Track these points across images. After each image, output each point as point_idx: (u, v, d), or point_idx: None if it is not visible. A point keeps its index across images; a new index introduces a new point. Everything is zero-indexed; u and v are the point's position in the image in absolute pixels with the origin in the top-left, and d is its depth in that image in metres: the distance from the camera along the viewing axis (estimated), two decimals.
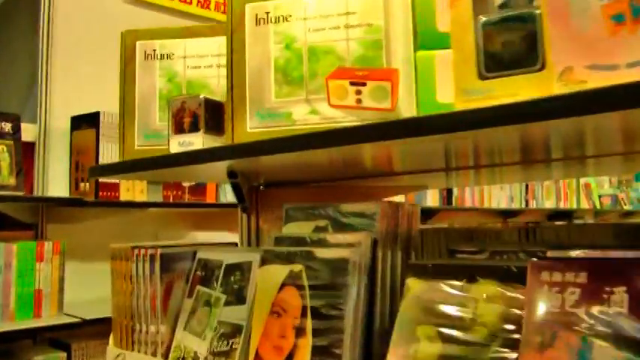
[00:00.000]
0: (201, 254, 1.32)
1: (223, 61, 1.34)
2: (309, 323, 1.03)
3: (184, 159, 1.17)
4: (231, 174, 1.38)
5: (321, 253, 1.05)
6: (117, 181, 2.43)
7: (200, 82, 1.36)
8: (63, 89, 2.62)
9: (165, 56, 1.38)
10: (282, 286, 1.08)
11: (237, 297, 1.19)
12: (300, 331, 1.03)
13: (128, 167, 1.31)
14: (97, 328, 2.35)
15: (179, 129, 1.24)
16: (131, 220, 2.76)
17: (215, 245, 1.47)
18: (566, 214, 5.31)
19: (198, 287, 1.28)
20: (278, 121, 1.11)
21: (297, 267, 1.07)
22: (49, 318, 2.26)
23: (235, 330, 1.17)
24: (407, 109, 1.07)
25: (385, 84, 1.08)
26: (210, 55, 1.37)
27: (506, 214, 4.54)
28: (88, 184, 2.40)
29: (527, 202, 4.68)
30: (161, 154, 1.27)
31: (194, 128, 1.22)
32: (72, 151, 2.50)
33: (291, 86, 1.11)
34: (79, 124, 2.48)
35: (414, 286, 1.01)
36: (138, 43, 1.40)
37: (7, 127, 2.22)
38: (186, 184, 2.68)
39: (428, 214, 3.63)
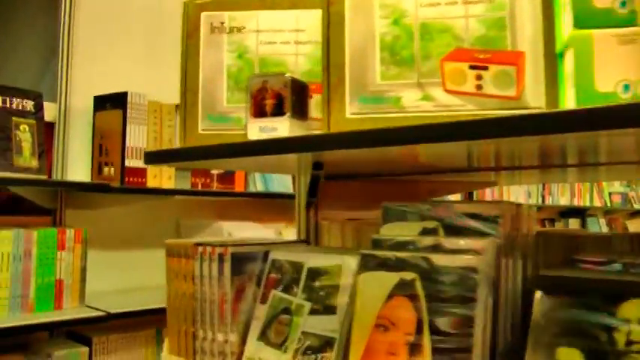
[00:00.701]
0: (276, 254, 1.16)
1: (302, 37, 1.19)
2: (426, 340, 0.88)
3: (271, 147, 1.01)
4: (316, 165, 1.22)
5: (440, 259, 0.90)
6: (144, 166, 2.26)
7: (275, 60, 1.21)
8: (84, 67, 2.45)
9: (235, 30, 1.23)
10: (390, 296, 0.93)
11: (325, 305, 1.04)
12: (414, 349, 0.89)
13: (197, 154, 1.15)
14: (119, 321, 2.20)
15: (260, 112, 1.08)
16: (152, 208, 2.61)
17: (284, 244, 1.31)
18: (579, 212, 5.20)
19: (274, 292, 1.13)
20: (385, 106, 0.97)
21: (410, 275, 0.92)
22: (70, 310, 2.11)
23: (325, 343, 1.02)
24: (534, 98, 0.93)
25: (510, 68, 0.95)
26: (287, 29, 1.21)
27: None
28: (112, 168, 2.24)
29: (543, 198, 4.56)
30: (233, 140, 1.11)
31: (278, 112, 1.07)
32: (94, 133, 2.33)
33: (400, 67, 0.97)
34: (103, 104, 2.31)
35: (547, 301, 0.86)
36: (203, 14, 1.24)
37: (29, 105, 2.05)
38: (215, 172, 2.52)
39: None
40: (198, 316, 1.19)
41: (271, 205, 3.01)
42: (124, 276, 2.51)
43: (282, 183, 2.77)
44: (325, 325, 1.03)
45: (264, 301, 1.14)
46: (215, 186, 2.53)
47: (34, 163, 2.00)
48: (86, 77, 2.45)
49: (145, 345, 2.35)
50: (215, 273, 1.17)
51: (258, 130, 1.07)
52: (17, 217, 2.20)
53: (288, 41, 1.21)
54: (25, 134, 2.01)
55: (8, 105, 2.00)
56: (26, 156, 1.99)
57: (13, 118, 2.00)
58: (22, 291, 2.02)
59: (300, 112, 1.08)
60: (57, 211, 2.33)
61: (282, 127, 1.05)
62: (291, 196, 1.53)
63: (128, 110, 2.22)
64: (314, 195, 1.34)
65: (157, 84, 2.50)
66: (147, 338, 2.38)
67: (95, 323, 2.09)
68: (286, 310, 1.09)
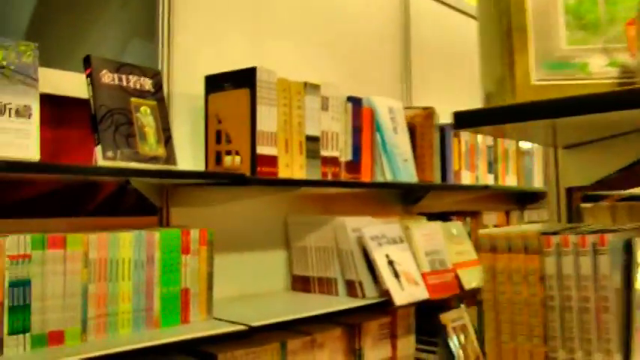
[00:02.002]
0: None
1: None
2: None
3: None
4: None
5: None
6: (275, 154, 1.90)
7: None
8: (187, 44, 2.08)
9: None
10: None
11: None
12: None
13: (547, 110, 0.84)
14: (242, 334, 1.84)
15: None
16: (258, 204, 2.25)
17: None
18: None
19: None
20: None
21: None
22: (198, 323, 1.75)
23: None
24: None
25: None
26: None
27: None
28: (238, 157, 1.87)
29: None
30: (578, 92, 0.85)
31: None
32: (208, 118, 1.96)
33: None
34: (219, 84, 1.94)
35: None
36: None
37: (148, 83, 1.69)
38: (343, 159, 2.15)
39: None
40: (556, 331, 0.83)
41: (376, 199, 2.65)
42: (233, 281, 2.15)
43: (408, 172, 2.39)
44: None
45: None
46: (343, 175, 2.16)
47: (161, 151, 1.64)
48: (190, 55, 2.08)
49: None
50: (587, 271, 0.80)
51: None
52: (120, 219, 1.85)
53: None
54: (146, 117, 1.65)
55: (125, 83, 1.64)
56: (151, 143, 1.63)
57: (132, 99, 1.64)
58: (146, 303, 1.67)
59: None
60: (163, 209, 1.97)
61: None
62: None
63: (258, 89, 1.85)
64: None
65: (273, 60, 2.13)
66: (272, 353, 2.02)
67: (235, 339, 1.73)
68: None
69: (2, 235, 1.46)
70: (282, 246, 2.37)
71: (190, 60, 2.06)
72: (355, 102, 2.23)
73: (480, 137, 2.99)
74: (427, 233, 2.46)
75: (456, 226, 2.70)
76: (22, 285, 1.48)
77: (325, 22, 2.62)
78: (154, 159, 1.63)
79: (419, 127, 2.52)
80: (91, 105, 1.59)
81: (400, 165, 2.36)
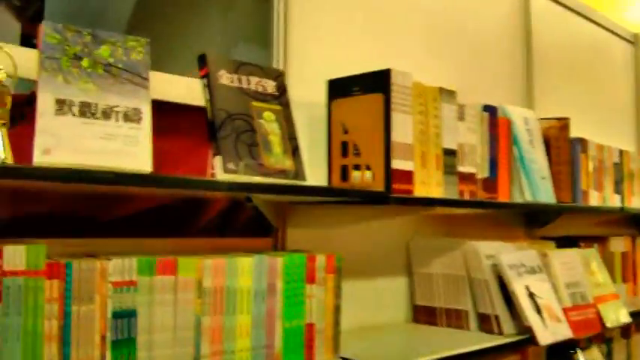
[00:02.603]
0: None
1: None
2: None
3: None
4: None
5: None
6: (410, 168, 1.62)
7: None
8: (305, 45, 1.83)
9: None
10: None
11: None
12: None
13: None
14: None
15: None
16: (380, 226, 1.97)
17: None
18: None
19: None
20: None
21: None
22: None
23: None
24: None
25: None
26: None
27: None
28: (368, 172, 1.60)
29: None
30: None
31: None
32: (332, 127, 1.70)
33: None
34: (346, 89, 1.68)
35: None
36: None
37: (270, 85, 1.44)
38: (480, 176, 1.85)
39: None
40: None
41: (496, 219, 2.34)
42: (351, 312, 1.87)
43: (546, 191, 2.07)
44: None
45: None
46: (480, 194, 1.87)
47: (289, 163, 1.38)
48: (306, 58, 1.83)
49: None
50: None
51: None
52: (231, 240, 1.61)
53: None
54: (271, 124, 1.40)
55: (245, 85, 1.39)
56: (277, 153, 1.37)
57: (253, 103, 1.39)
58: (267, 340, 1.41)
59: None
60: (279, 231, 1.71)
61: None
62: None
63: (392, 94, 1.58)
64: None
65: (388, 62, 1.86)
66: None
67: None
68: None
69: (104, 257, 1.23)
70: (403, 272, 2.08)
71: (307, 63, 1.81)
72: (492, 111, 1.93)
73: (606, 153, 2.64)
74: (566, 262, 2.13)
75: (592, 254, 2.36)
76: (127, 316, 1.24)
77: (443, 24, 2.34)
78: (281, 172, 1.37)
79: (553, 140, 2.21)
80: (208, 109, 1.35)
81: (539, 183, 2.05)
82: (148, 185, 1.15)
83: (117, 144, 1.19)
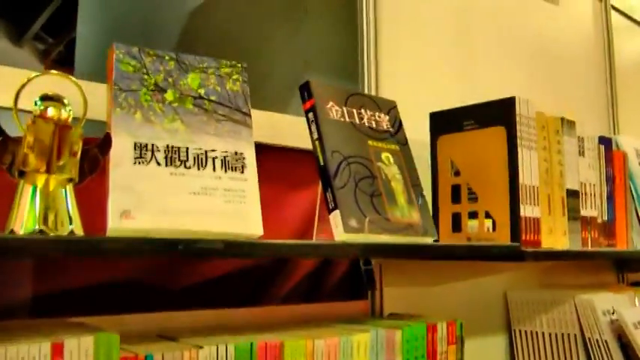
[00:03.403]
0: None
1: None
2: None
3: None
4: None
5: None
6: (537, 215, 1.32)
7: None
8: (396, 72, 1.54)
9: None
10: None
11: None
12: None
13: None
14: None
15: None
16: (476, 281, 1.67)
17: None
18: None
19: None
20: None
21: None
22: None
23: None
24: None
25: None
26: None
27: None
28: (489, 221, 1.30)
29: None
30: None
31: None
32: (438, 168, 1.40)
33: None
34: (454, 123, 1.38)
35: None
36: None
37: (384, 120, 1.15)
38: (600, 220, 1.55)
39: None
40: None
41: (584, 264, 2.03)
42: None
43: None
44: None
45: None
46: (601, 241, 1.56)
47: (415, 216, 1.08)
48: (401, 90, 1.54)
49: None
50: None
51: None
52: (321, 305, 1.30)
53: None
54: (391, 168, 1.09)
55: (358, 120, 1.10)
56: (402, 204, 1.07)
57: (369, 142, 1.09)
58: None
59: None
60: (375, 291, 1.40)
61: None
62: None
63: (518, 127, 1.28)
64: None
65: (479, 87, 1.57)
66: None
67: None
68: None
69: (189, 344, 0.93)
70: (502, 329, 1.77)
71: (400, 94, 1.51)
72: (606, 144, 1.63)
73: None
74: None
75: None
76: None
77: (522, 43, 2.05)
78: (408, 228, 1.07)
79: None
80: (318, 151, 1.05)
81: None
82: (265, 255, 0.85)
83: (216, 201, 0.89)
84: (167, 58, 0.96)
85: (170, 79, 0.95)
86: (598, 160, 1.59)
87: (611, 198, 1.63)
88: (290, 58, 1.41)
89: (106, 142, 0.86)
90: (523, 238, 1.28)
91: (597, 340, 1.62)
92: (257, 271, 1.20)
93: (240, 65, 1.00)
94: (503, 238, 1.28)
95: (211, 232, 0.87)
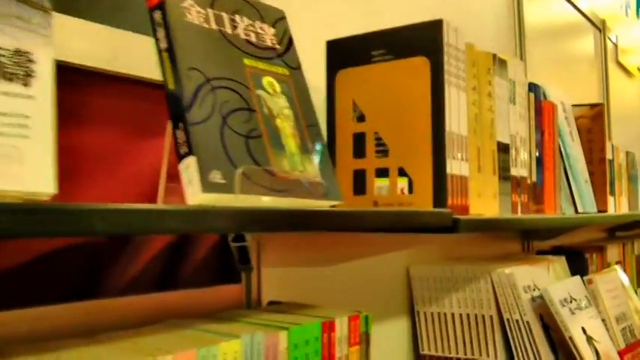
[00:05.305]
0: None
1: None
2: None
3: None
4: None
5: None
6: (465, 174, 0.99)
7: None
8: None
9: None
10: None
11: None
12: None
13: None
14: None
15: None
16: (376, 250, 1.34)
17: None
18: None
19: None
20: None
21: None
22: None
23: None
24: None
25: None
26: None
27: None
28: (404, 180, 0.96)
29: None
30: None
31: None
32: (336, 112, 1.04)
33: None
34: (360, 53, 1.03)
35: None
36: None
37: (269, 34, 0.77)
38: (529, 181, 1.24)
39: None
40: None
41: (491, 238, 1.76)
42: None
43: (589, 199, 1.49)
44: None
45: None
46: (530, 207, 1.26)
47: (311, 169, 0.72)
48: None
49: None
50: None
51: None
52: (177, 294, 0.93)
53: None
54: (276, 99, 0.74)
55: (230, 30, 0.72)
56: (292, 152, 0.71)
57: (245, 61, 0.72)
58: None
59: None
60: (251, 274, 1.04)
61: None
62: None
63: (446, 59, 0.94)
64: None
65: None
66: None
67: None
68: None
69: None
70: (403, 312, 1.46)
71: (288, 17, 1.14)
72: (536, 92, 1.33)
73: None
74: (610, 288, 1.57)
75: (620, 272, 1.81)
76: None
77: None
78: (300, 187, 0.70)
79: (586, 132, 1.63)
80: (167, 68, 0.66)
81: (583, 188, 1.47)
82: (57, 231, 0.46)
83: None
84: None
85: None
86: (528, 110, 1.27)
87: (540, 156, 1.33)
88: None
89: None
90: (449, 202, 0.94)
91: (517, 321, 1.33)
92: (85, 250, 0.81)
93: None
94: (422, 202, 0.94)
95: None
